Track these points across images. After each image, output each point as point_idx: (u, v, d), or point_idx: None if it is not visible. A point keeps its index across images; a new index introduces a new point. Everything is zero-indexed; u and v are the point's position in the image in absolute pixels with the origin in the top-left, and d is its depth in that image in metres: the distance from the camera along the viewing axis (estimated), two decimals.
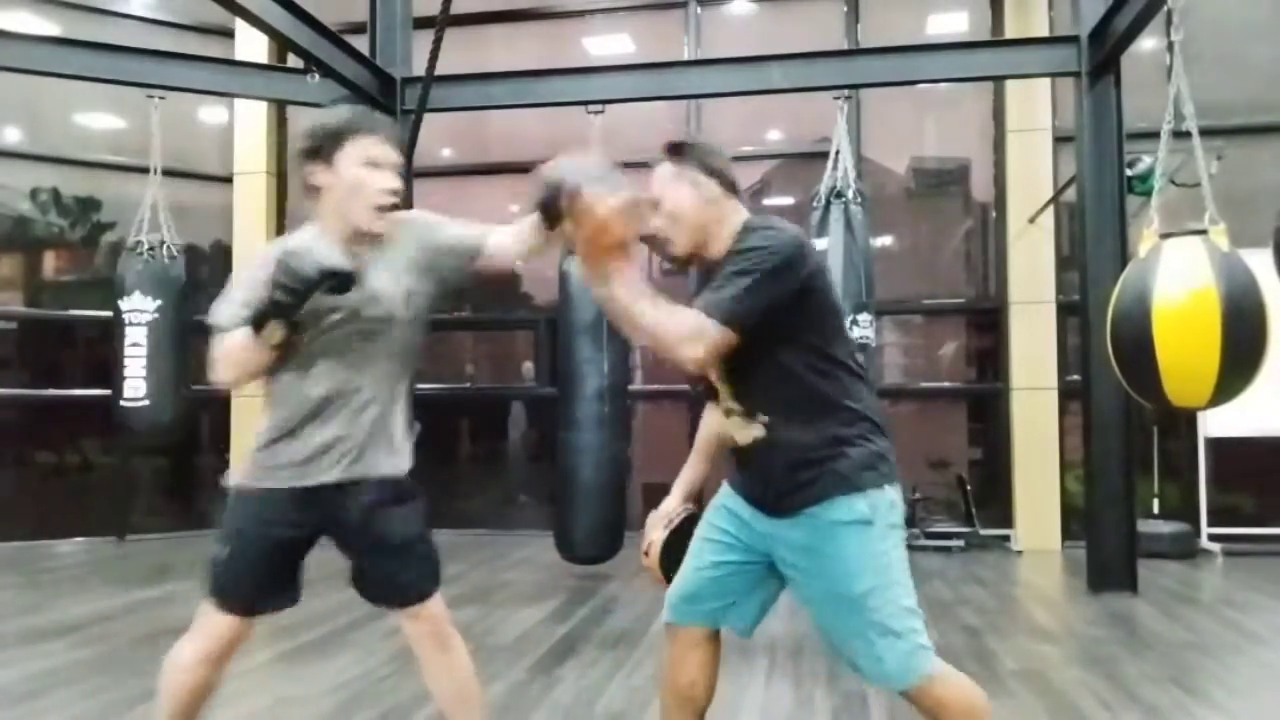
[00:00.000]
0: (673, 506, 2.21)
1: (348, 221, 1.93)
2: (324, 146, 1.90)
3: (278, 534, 1.98)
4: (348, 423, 1.97)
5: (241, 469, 2.01)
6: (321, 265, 1.78)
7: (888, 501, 1.87)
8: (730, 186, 2.02)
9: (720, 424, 2.08)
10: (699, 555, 2.08)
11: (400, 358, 2.05)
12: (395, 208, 1.98)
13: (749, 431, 1.94)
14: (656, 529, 2.18)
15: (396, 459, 2.05)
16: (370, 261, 1.97)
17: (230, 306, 1.90)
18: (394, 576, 2.03)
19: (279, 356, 1.89)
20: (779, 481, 1.89)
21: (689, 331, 1.75)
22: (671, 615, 2.09)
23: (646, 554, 2.18)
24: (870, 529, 1.83)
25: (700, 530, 2.12)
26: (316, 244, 1.92)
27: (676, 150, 2.03)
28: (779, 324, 1.81)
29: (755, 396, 1.90)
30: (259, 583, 2.01)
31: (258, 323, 1.81)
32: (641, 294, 1.74)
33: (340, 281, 1.83)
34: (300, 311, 1.82)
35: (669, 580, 2.12)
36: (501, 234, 2.08)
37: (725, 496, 2.11)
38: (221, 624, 2.00)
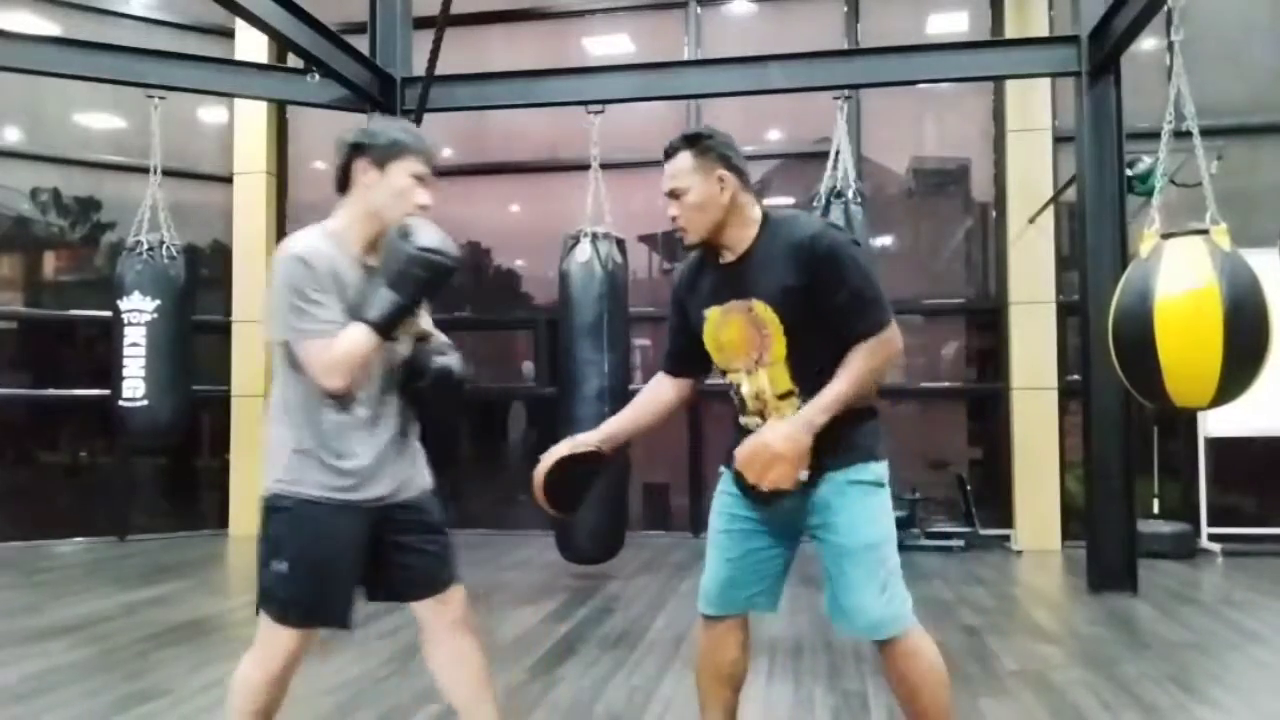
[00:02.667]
0: (588, 439, 2.21)
1: (382, 221, 2.00)
2: (381, 150, 1.99)
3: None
4: (387, 437, 2.04)
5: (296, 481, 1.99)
6: (454, 254, 1.96)
7: (886, 470, 2.09)
8: (746, 179, 2.08)
9: (747, 419, 2.11)
10: (726, 547, 2.16)
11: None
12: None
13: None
14: (562, 448, 2.17)
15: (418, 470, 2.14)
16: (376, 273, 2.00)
17: (305, 316, 1.89)
18: (429, 564, 2.10)
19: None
20: (817, 453, 1.97)
21: (890, 349, 2.00)
22: (710, 608, 2.18)
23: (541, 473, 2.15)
24: (882, 490, 2.07)
25: (718, 524, 2.19)
26: (331, 248, 1.96)
27: (695, 141, 2.07)
28: (839, 309, 1.99)
29: (813, 378, 2.00)
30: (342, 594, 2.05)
31: (392, 320, 1.92)
32: (836, 395, 1.94)
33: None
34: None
35: (550, 500, 2.15)
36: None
37: (731, 485, 2.16)
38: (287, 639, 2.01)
